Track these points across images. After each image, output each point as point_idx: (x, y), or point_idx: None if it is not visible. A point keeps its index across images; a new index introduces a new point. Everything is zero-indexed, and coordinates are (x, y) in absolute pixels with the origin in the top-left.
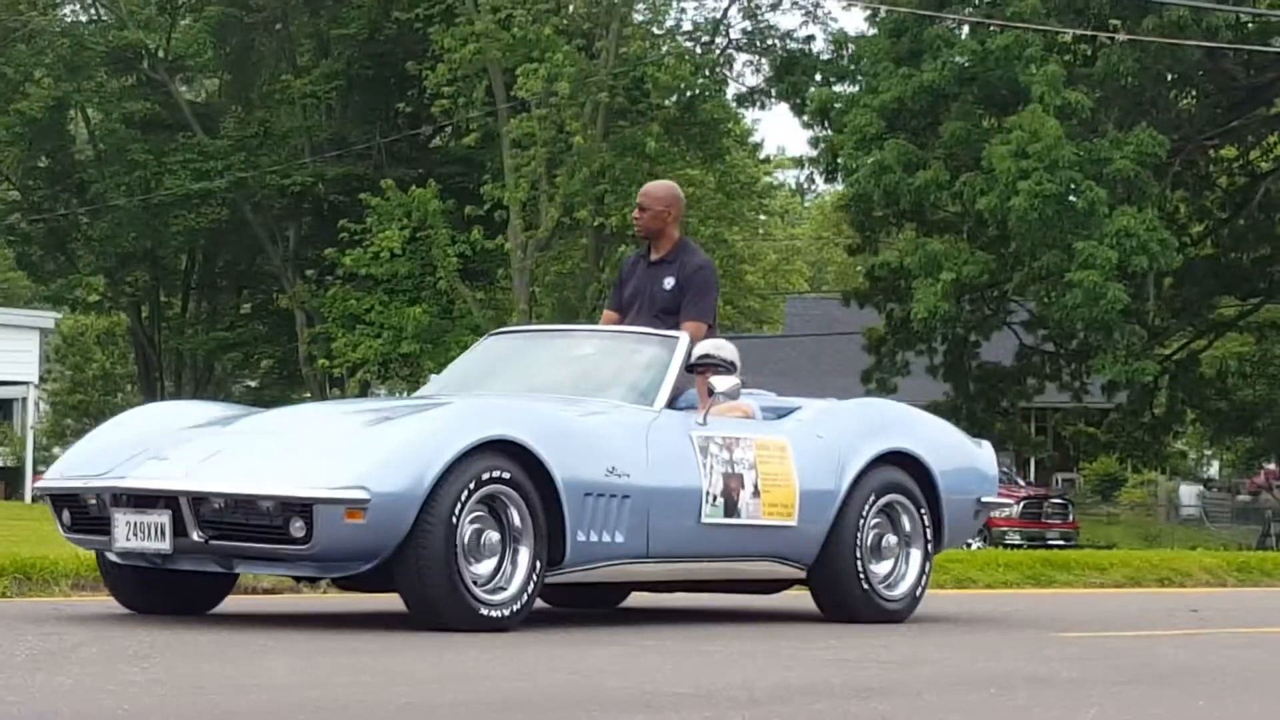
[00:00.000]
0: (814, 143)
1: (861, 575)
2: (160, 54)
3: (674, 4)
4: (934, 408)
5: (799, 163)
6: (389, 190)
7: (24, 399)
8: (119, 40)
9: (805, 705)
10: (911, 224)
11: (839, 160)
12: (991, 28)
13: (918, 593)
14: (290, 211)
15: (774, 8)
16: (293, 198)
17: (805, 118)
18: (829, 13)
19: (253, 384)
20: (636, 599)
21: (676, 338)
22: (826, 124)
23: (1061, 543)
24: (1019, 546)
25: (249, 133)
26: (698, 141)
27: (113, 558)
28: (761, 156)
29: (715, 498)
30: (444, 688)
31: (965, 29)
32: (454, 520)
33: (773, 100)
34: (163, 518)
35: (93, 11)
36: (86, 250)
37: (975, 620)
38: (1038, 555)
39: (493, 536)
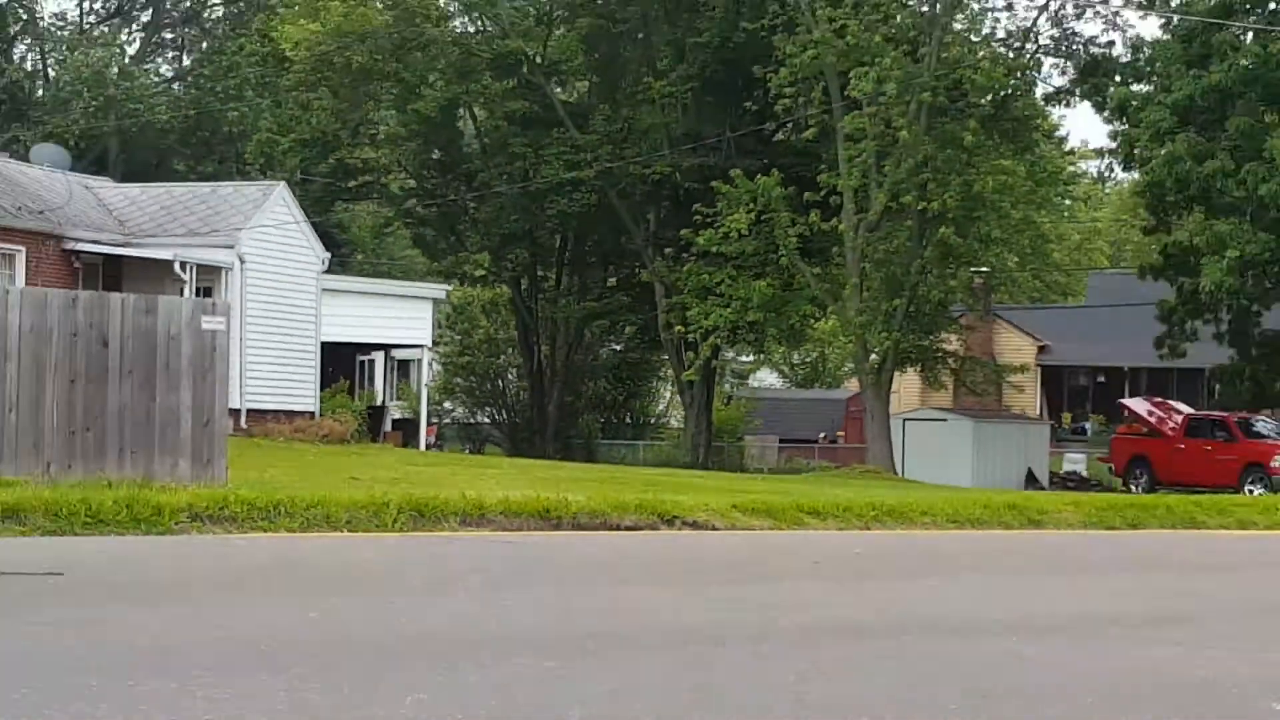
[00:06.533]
0: (1113, 136)
1: None
2: (537, 59)
3: (989, 14)
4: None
5: (1099, 154)
6: (738, 178)
7: (419, 360)
8: (502, 48)
9: (1102, 632)
10: (1200, 208)
11: (1135, 151)
12: (1274, 33)
13: None
14: (650, 197)
15: (1078, 16)
16: (652, 185)
17: (1105, 114)
18: (1127, 20)
19: (618, 348)
20: None
21: None
22: (1125, 120)
23: None
24: None
25: (615, 128)
26: (1010, 135)
27: None
28: (1066, 149)
29: None
30: None
31: (1250, 35)
32: None
33: (1076, 98)
34: None
35: (479, 23)
36: (473, 231)
37: (1259, 562)
38: None
39: None
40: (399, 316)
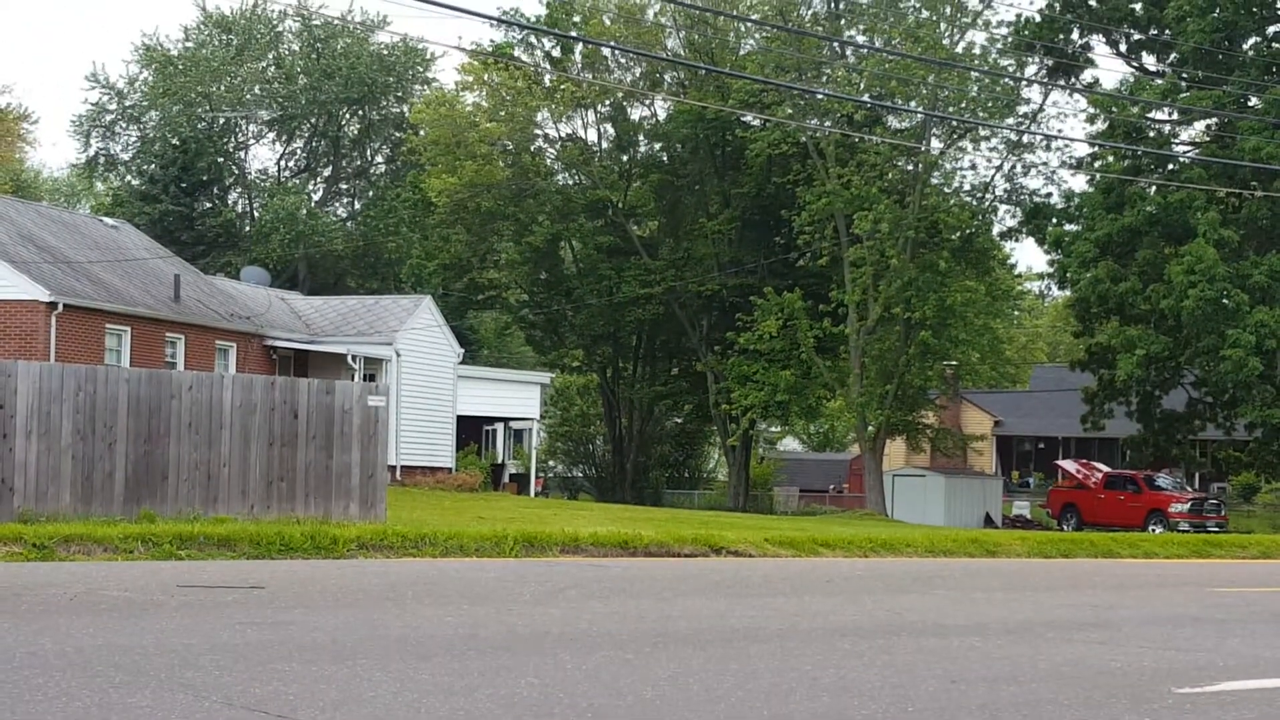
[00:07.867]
0: (1051, 263)
1: None
2: (620, 205)
3: (958, 172)
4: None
5: (1040, 277)
6: (769, 294)
7: (530, 429)
8: (593, 196)
9: (1042, 634)
10: (1116, 317)
11: (1067, 275)
12: (1171, 187)
13: None
14: (704, 308)
15: (1024, 174)
16: (705, 299)
17: (1045, 247)
18: (1061, 177)
19: (679, 420)
20: None
21: None
22: (1059, 251)
23: (1216, 529)
24: (1188, 531)
25: (677, 256)
26: (973, 263)
27: None
28: (1016, 273)
29: None
30: None
31: (1153, 188)
32: None
33: (1023, 235)
34: None
35: (576, 178)
36: (571, 333)
37: (1160, 582)
38: (1201, 538)
39: None
40: (515, 397)
